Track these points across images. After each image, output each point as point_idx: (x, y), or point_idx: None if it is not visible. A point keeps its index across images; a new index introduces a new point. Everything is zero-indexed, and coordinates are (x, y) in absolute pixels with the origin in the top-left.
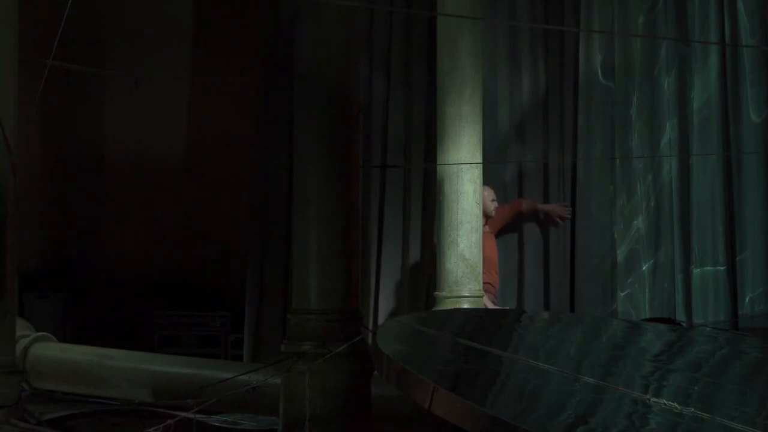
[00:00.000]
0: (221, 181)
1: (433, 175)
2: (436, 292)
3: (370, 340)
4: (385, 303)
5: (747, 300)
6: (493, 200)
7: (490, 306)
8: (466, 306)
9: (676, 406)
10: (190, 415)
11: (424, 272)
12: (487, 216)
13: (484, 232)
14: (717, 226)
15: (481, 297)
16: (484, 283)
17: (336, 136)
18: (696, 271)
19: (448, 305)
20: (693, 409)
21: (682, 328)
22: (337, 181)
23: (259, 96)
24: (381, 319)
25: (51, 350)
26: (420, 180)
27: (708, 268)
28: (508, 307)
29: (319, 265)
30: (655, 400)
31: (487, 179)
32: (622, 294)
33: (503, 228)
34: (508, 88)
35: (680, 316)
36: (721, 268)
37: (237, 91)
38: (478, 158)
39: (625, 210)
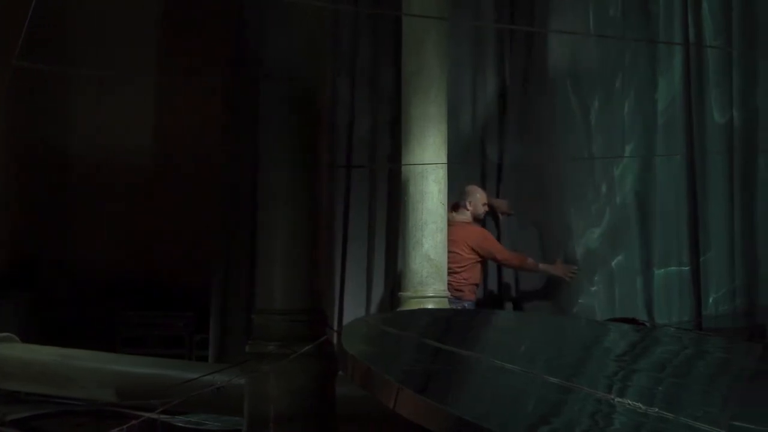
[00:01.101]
0: (187, 181)
1: (399, 175)
2: (401, 293)
3: (335, 341)
4: (351, 303)
5: (711, 300)
6: (484, 204)
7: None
8: (430, 306)
9: (640, 406)
10: (154, 415)
11: (390, 272)
12: (475, 217)
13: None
14: (681, 227)
15: (446, 297)
16: (472, 284)
17: (302, 136)
18: (659, 272)
19: (413, 305)
20: (657, 409)
21: (645, 329)
22: (303, 182)
23: (226, 96)
24: (346, 320)
25: (16, 351)
26: (385, 180)
27: (672, 268)
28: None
29: (284, 265)
30: (620, 400)
31: (452, 179)
32: (588, 294)
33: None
34: (472, 88)
35: (644, 316)
36: (685, 268)
37: (204, 91)
38: (443, 158)
39: (591, 210)
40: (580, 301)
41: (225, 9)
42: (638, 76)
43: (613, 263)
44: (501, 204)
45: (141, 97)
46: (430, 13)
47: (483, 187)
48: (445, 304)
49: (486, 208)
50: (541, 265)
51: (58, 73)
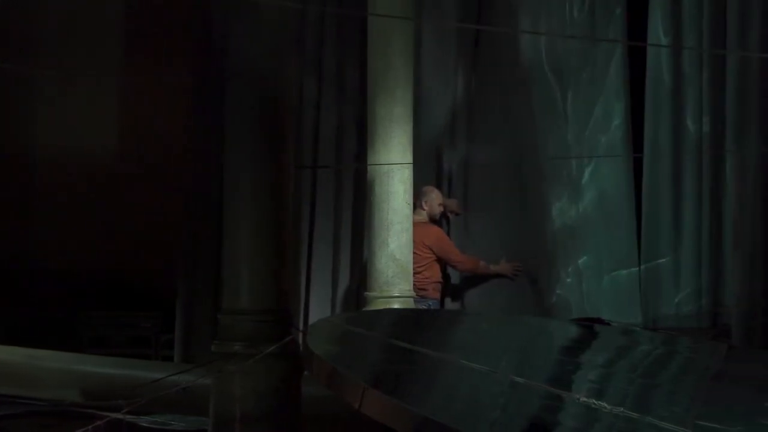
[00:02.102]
0: (152, 181)
1: (364, 175)
2: (367, 293)
3: (300, 341)
4: (316, 303)
5: (676, 300)
6: (440, 204)
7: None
8: (396, 306)
9: (606, 405)
10: (120, 415)
11: (355, 272)
12: (431, 218)
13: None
14: (646, 228)
15: (411, 297)
16: (435, 282)
17: (268, 136)
18: (622, 273)
19: (379, 305)
20: (623, 409)
21: (611, 328)
22: (269, 182)
23: (191, 96)
24: (312, 320)
25: None
26: (351, 180)
27: (633, 269)
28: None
29: (250, 265)
30: (585, 399)
31: (417, 179)
32: (555, 294)
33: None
34: (438, 88)
35: (610, 316)
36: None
37: (169, 91)
38: (409, 159)
39: (561, 210)
40: (558, 292)
41: (190, 8)
42: (603, 73)
43: (580, 263)
44: (451, 203)
45: (105, 97)
46: (395, 12)
47: (439, 187)
48: (410, 304)
49: (441, 209)
50: (492, 267)
51: (20, 72)
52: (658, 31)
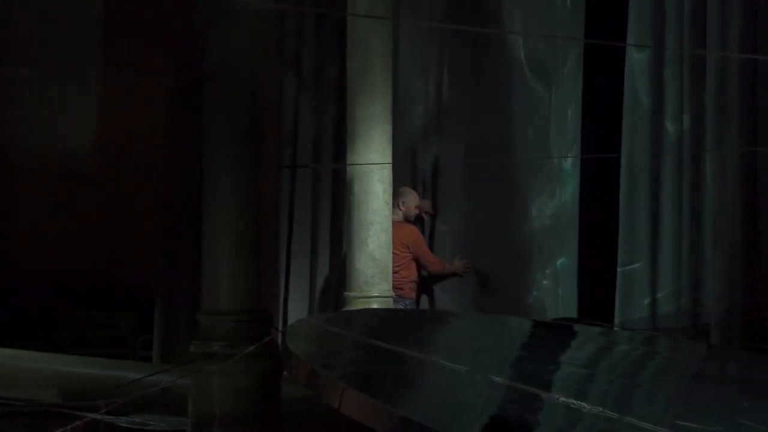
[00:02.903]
0: (132, 181)
1: (344, 175)
2: (346, 293)
3: (280, 341)
4: (295, 303)
5: (647, 301)
6: (416, 206)
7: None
8: (375, 306)
9: (585, 405)
10: (98, 416)
11: (334, 272)
12: (407, 219)
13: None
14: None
15: (391, 297)
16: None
17: (247, 136)
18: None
19: (358, 305)
20: (602, 409)
21: (590, 329)
22: (248, 182)
23: (171, 96)
24: (291, 320)
25: None
26: (330, 180)
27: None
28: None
29: (229, 265)
30: (564, 399)
31: (396, 179)
32: (531, 296)
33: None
34: (418, 88)
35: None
36: (630, 268)
37: (149, 91)
38: (388, 158)
39: (539, 210)
40: (534, 293)
41: (169, 10)
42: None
43: (560, 263)
44: (425, 204)
45: (84, 98)
46: (375, 13)
47: (415, 187)
48: (390, 304)
49: (417, 211)
50: (447, 266)
51: None
52: (636, 31)
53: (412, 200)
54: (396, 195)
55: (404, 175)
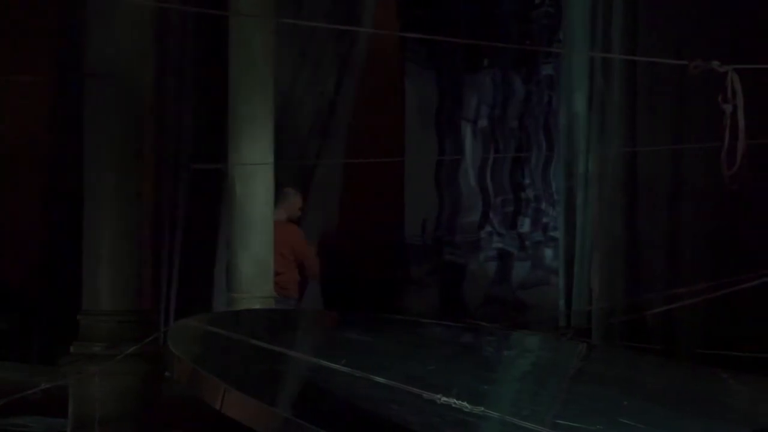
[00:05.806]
0: (12, 179)
1: (226, 175)
2: (230, 293)
3: (162, 341)
4: (179, 304)
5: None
6: (300, 208)
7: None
8: (258, 306)
9: (466, 405)
10: None
11: (216, 273)
12: (289, 219)
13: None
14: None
15: (272, 297)
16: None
17: (127, 135)
18: None
19: (242, 306)
20: (483, 408)
21: (470, 328)
22: (128, 181)
23: (53, 95)
24: (174, 320)
25: None
26: (212, 180)
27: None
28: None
29: (109, 266)
30: (445, 399)
31: (279, 180)
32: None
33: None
34: (301, 87)
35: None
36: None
37: (31, 89)
38: (270, 158)
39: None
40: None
41: (49, 7)
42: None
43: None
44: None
45: None
46: (257, 12)
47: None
48: (272, 304)
49: (299, 212)
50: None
51: None
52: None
53: (294, 202)
54: (279, 196)
55: (287, 175)
